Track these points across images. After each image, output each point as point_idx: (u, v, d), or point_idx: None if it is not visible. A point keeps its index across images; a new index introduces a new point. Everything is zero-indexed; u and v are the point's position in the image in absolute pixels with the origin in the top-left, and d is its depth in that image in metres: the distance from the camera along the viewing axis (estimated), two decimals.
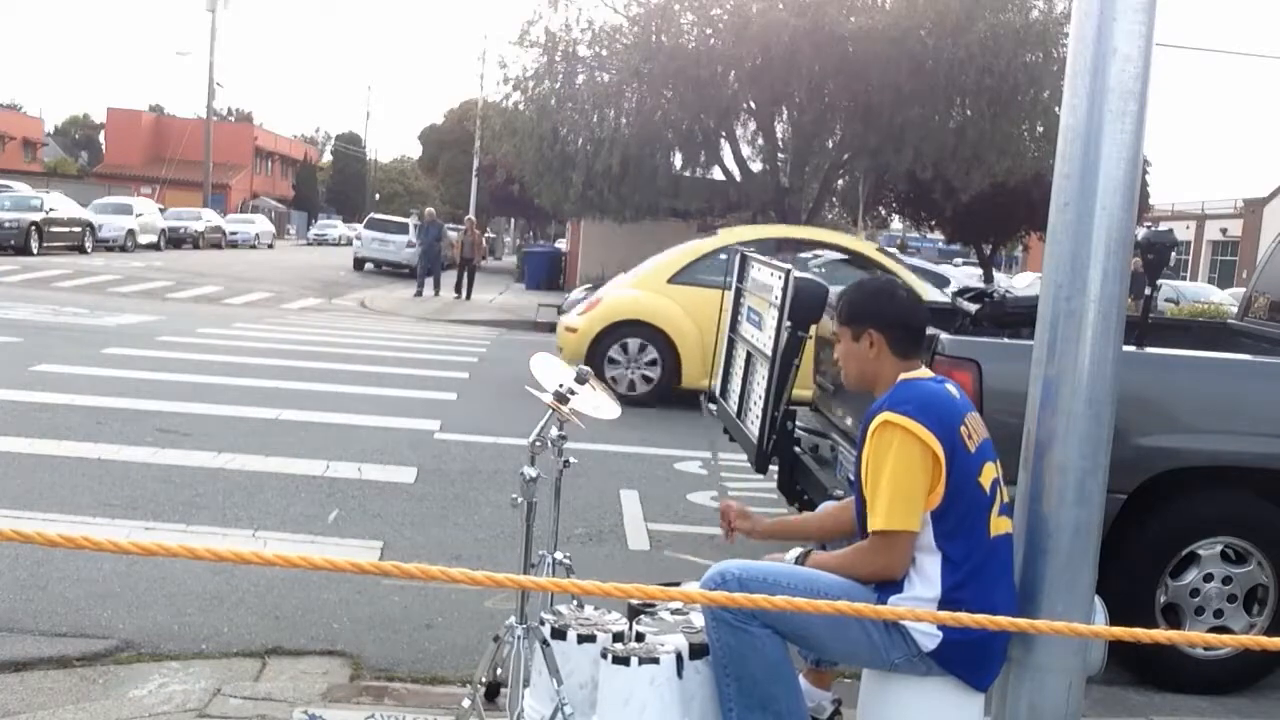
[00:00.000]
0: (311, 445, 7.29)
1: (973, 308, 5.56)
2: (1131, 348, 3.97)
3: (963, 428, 2.75)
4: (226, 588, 4.59)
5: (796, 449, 4.99)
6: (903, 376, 2.85)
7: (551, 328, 14.10)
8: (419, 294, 22.62)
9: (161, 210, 35.64)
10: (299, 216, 66.09)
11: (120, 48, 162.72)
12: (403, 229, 32.10)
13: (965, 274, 28.73)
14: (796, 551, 3.02)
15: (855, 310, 2.95)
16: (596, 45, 21.06)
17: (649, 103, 20.53)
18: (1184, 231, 44.23)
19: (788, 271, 4.67)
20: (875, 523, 2.71)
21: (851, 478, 2.93)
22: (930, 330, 3.75)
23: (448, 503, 6.21)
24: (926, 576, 2.72)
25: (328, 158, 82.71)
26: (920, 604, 2.69)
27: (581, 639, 3.00)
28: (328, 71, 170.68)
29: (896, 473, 2.68)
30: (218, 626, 4.22)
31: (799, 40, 18.41)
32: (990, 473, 2.79)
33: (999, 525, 2.79)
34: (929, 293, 9.94)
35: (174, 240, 34.55)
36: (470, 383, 10.91)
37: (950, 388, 2.86)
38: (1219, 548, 4.16)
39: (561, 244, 34.08)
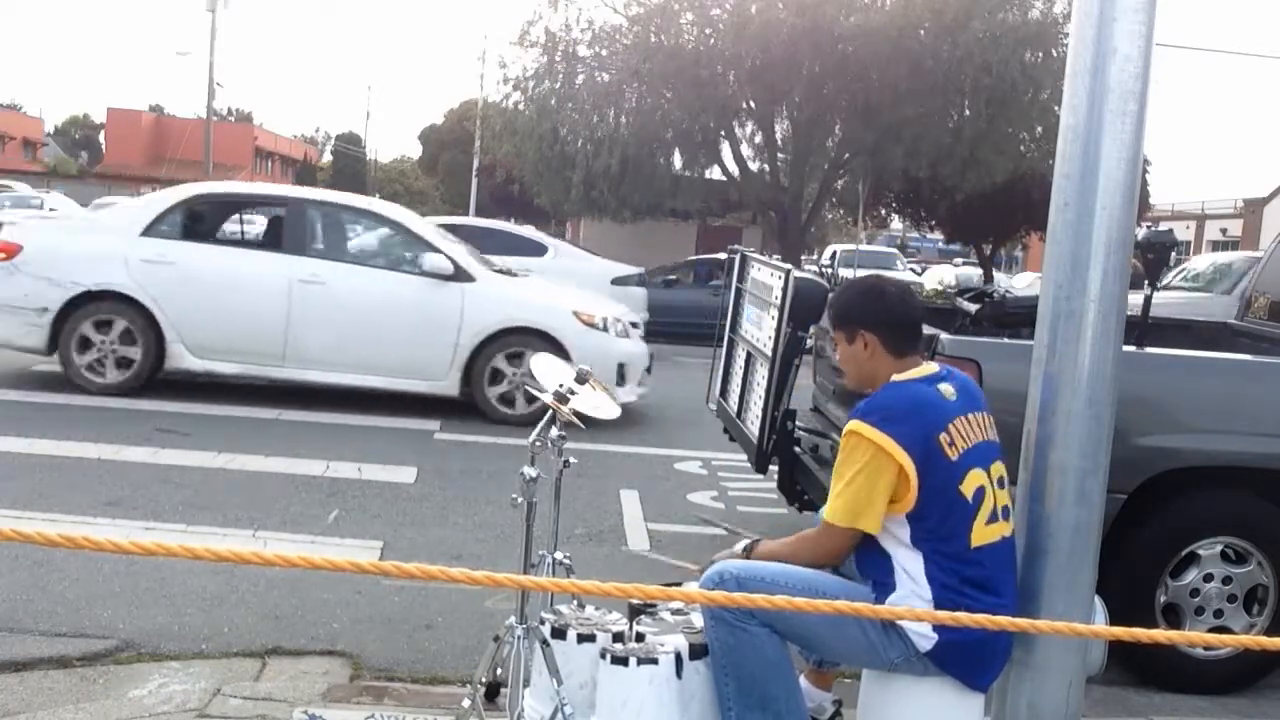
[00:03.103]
0: (311, 445, 7.29)
1: (973, 308, 5.57)
2: (1131, 348, 3.97)
3: (944, 435, 2.72)
4: (226, 588, 4.59)
5: (796, 449, 4.99)
6: (894, 378, 2.84)
7: None
8: None
9: None
10: None
11: (120, 48, 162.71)
12: None
13: (964, 274, 28.72)
14: (744, 542, 3.03)
15: (845, 311, 2.95)
16: (596, 45, 21.09)
17: (649, 103, 20.56)
18: (1184, 231, 44.19)
19: (788, 272, 4.67)
20: (826, 513, 2.78)
21: None
22: (930, 330, 3.76)
23: (448, 503, 6.21)
24: (914, 577, 2.73)
25: (328, 158, 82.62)
26: (913, 604, 2.69)
27: (581, 639, 3.00)
28: (328, 71, 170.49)
29: (854, 478, 2.71)
30: (218, 626, 4.22)
31: (798, 40, 18.44)
32: (976, 479, 2.74)
33: (987, 533, 2.74)
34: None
35: None
36: None
37: (944, 387, 2.82)
38: (1219, 548, 4.16)
39: None
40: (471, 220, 15.53)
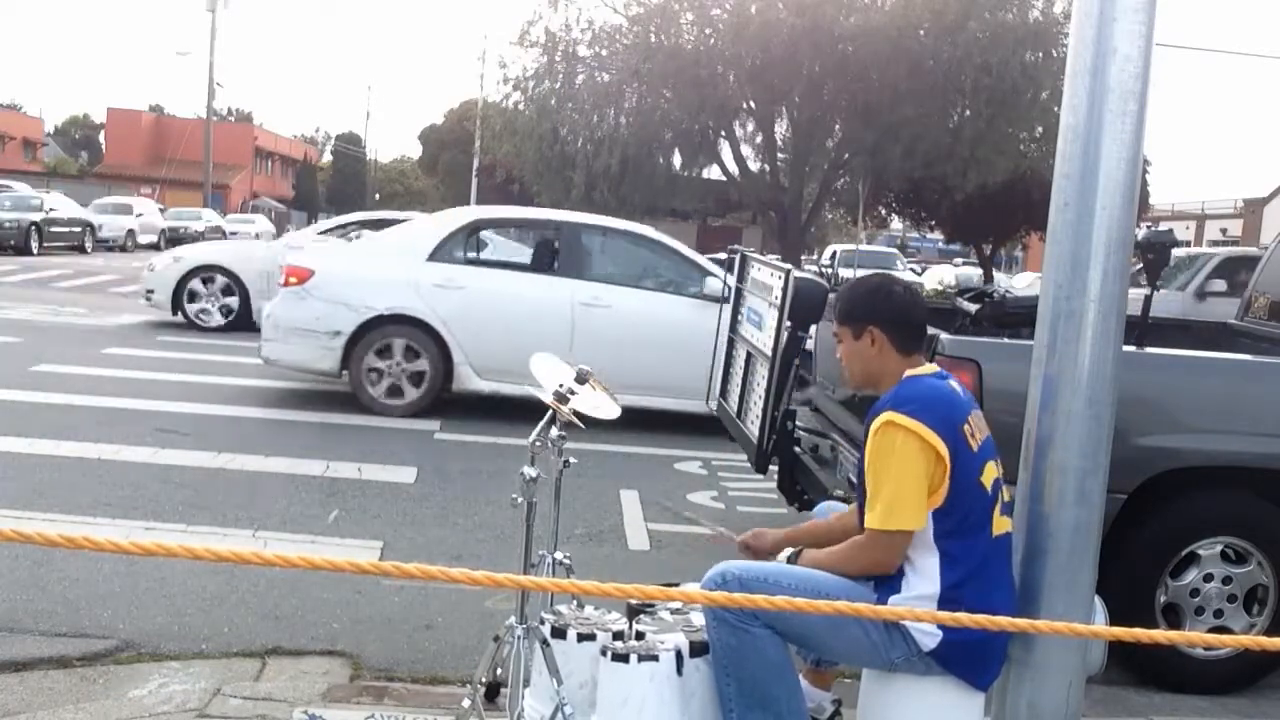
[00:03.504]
0: (311, 445, 7.29)
1: (973, 308, 5.57)
2: (1131, 348, 3.97)
3: (966, 426, 2.74)
4: (226, 588, 4.59)
5: (796, 449, 4.99)
6: (908, 373, 2.85)
7: None
8: None
9: (161, 210, 35.71)
10: (299, 216, 66.04)
11: (120, 48, 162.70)
12: None
13: (964, 274, 28.74)
14: (789, 550, 3.02)
15: (853, 308, 2.95)
16: (596, 45, 21.12)
17: (648, 102, 20.58)
18: (1184, 231, 44.22)
19: (788, 271, 4.67)
20: (872, 520, 2.71)
21: (853, 478, 2.93)
22: (930, 330, 3.76)
23: (448, 503, 6.21)
24: (926, 574, 2.72)
25: (328, 158, 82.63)
26: (920, 603, 2.69)
27: (581, 638, 3.00)
28: (328, 71, 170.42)
29: (898, 472, 2.67)
30: (218, 626, 4.22)
31: (798, 40, 18.45)
32: (992, 472, 2.78)
33: (1000, 525, 2.79)
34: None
35: (174, 240, 34.45)
36: None
37: (954, 384, 2.86)
38: (1219, 548, 4.16)
39: None
40: (373, 214, 14.62)
